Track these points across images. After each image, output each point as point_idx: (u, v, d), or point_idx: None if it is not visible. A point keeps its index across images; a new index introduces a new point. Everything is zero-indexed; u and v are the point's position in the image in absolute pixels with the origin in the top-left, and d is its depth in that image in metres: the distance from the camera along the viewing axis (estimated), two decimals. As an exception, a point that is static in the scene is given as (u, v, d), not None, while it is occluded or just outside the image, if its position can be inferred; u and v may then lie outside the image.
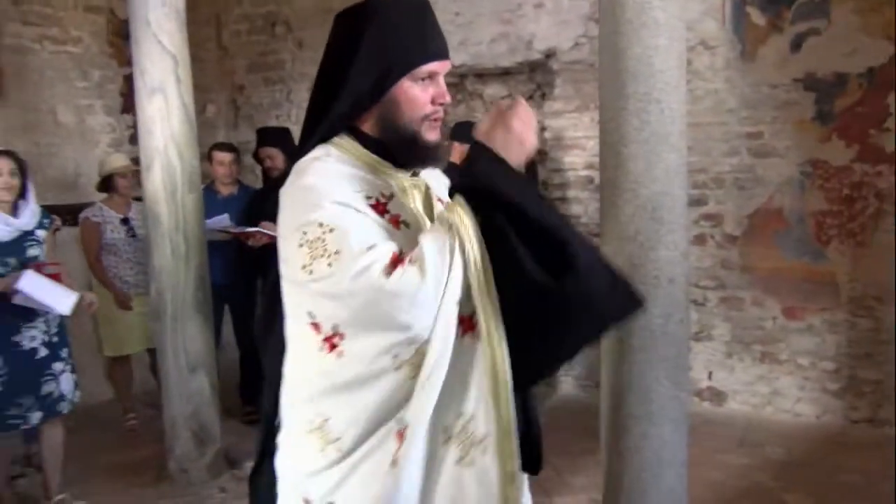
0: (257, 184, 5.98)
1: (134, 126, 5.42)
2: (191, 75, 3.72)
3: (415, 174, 1.50)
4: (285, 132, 4.72)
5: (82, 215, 4.48)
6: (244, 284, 4.66)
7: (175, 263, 3.72)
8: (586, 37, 4.75)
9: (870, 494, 3.50)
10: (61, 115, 5.13)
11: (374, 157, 1.45)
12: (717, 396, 4.61)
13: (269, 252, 4.58)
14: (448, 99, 1.45)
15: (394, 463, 1.34)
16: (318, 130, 1.45)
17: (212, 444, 3.93)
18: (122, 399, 4.83)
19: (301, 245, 1.33)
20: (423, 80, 1.42)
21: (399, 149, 1.45)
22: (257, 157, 4.71)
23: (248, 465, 3.96)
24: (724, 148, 4.47)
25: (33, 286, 3.15)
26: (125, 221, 4.51)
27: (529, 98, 5.28)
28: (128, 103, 5.49)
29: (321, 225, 1.31)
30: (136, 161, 4.39)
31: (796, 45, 4.21)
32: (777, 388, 4.43)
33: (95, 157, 5.23)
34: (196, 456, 3.86)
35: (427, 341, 1.30)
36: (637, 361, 2.51)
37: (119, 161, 4.60)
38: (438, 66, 1.42)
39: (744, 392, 4.52)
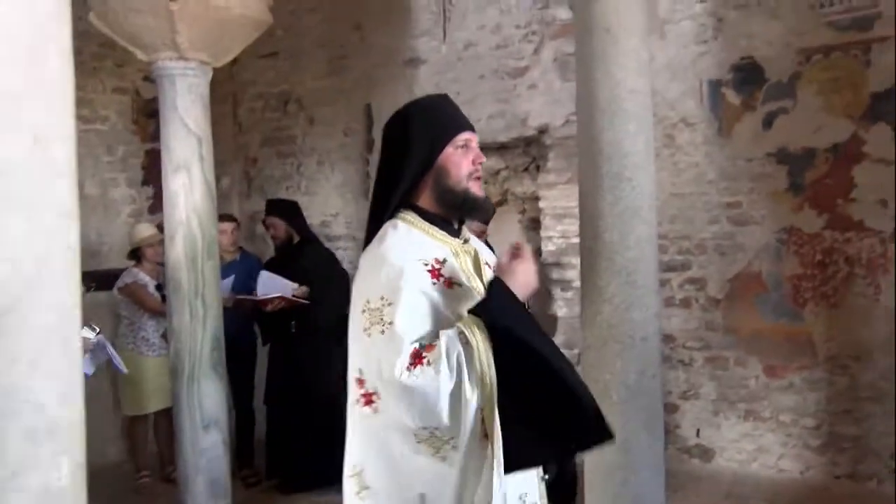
0: (268, 251, 6.32)
1: (153, 197, 5.81)
2: (212, 154, 4.08)
3: (465, 241, 1.85)
4: (289, 204, 5.10)
5: (127, 280, 4.79)
6: (242, 350, 4.88)
7: (193, 325, 4.01)
8: (576, 115, 5.12)
9: (848, 545, 3.68)
10: (87, 188, 5.50)
11: (432, 226, 1.78)
12: (706, 453, 4.79)
13: (270, 319, 4.96)
14: (483, 159, 1.84)
15: None
16: (387, 210, 1.81)
17: (222, 499, 4.13)
18: (137, 457, 5.02)
19: (364, 311, 1.67)
20: (461, 147, 1.80)
21: (453, 206, 1.80)
22: (265, 225, 5.05)
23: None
24: (706, 217, 4.77)
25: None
26: (158, 287, 4.82)
27: (525, 170, 5.65)
28: (148, 176, 5.88)
29: (382, 298, 1.64)
30: (160, 229, 4.75)
31: (768, 122, 4.56)
32: (762, 445, 4.62)
33: (118, 226, 5.58)
34: (208, 510, 4.06)
35: (452, 438, 1.59)
36: (616, 413, 2.76)
37: (147, 231, 4.93)
38: (470, 136, 1.83)
39: (730, 449, 4.71)
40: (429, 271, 1.69)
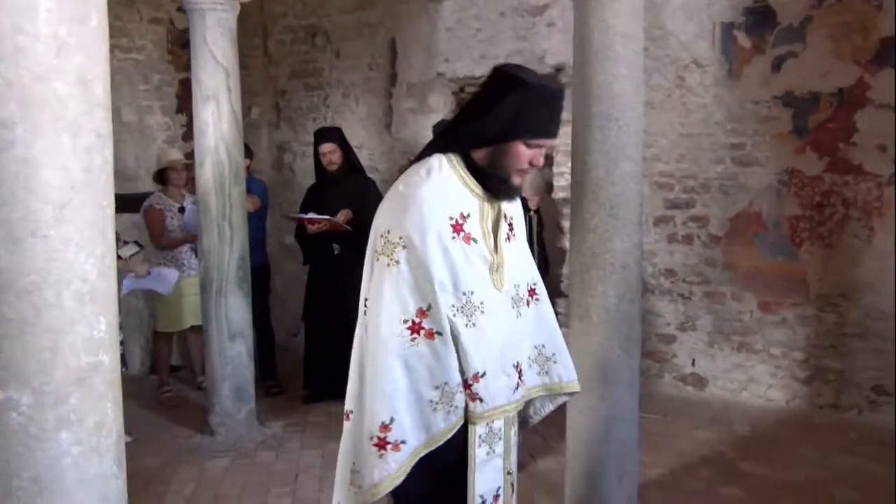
0: (293, 179, 6.64)
1: (187, 125, 6.10)
2: (239, 85, 4.34)
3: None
4: (338, 130, 5.27)
5: (146, 203, 5.13)
6: (255, 270, 5.00)
7: (221, 246, 4.35)
8: (572, 57, 5.25)
9: (820, 464, 3.98)
10: (125, 115, 5.81)
11: (472, 179, 1.97)
12: (700, 382, 5.08)
13: (313, 240, 5.23)
14: (541, 163, 2.03)
15: None
16: (445, 140, 2.03)
17: (246, 403, 4.55)
18: (160, 372, 5.40)
19: (382, 236, 1.94)
20: (532, 146, 1.95)
21: (493, 182, 1.97)
22: (317, 154, 5.13)
23: (276, 424, 4.62)
24: (712, 157, 4.94)
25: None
26: (181, 210, 5.15)
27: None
28: (182, 104, 6.16)
29: (400, 238, 1.90)
30: (188, 156, 5.05)
31: (776, 66, 4.67)
32: (752, 376, 4.89)
33: (153, 152, 5.90)
34: (233, 412, 4.48)
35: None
36: (595, 333, 3.04)
37: (171, 156, 5.24)
38: (547, 142, 2.01)
39: (722, 378, 4.99)
40: (452, 226, 1.92)
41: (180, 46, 6.10)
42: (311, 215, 4.91)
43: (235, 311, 4.41)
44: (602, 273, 2.99)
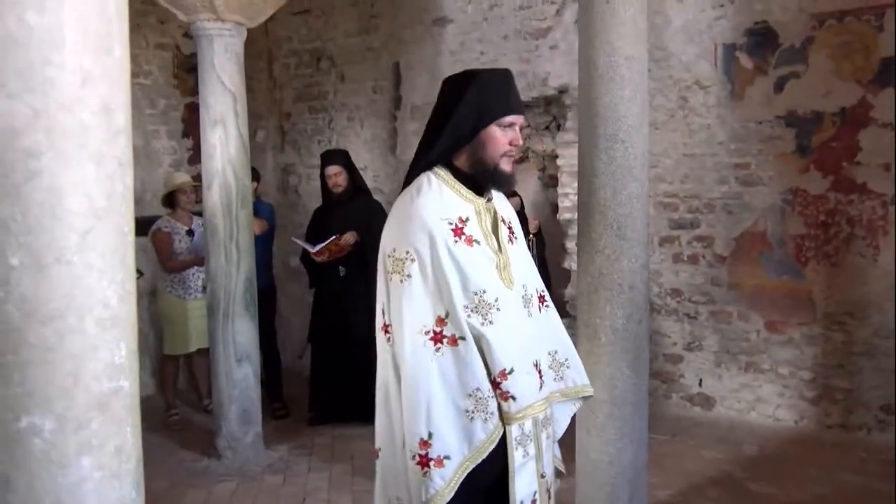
0: (299, 201, 6.67)
1: (193, 149, 6.16)
2: (247, 109, 4.38)
3: (489, 200, 2.06)
4: (344, 152, 5.31)
5: (154, 227, 5.16)
6: (261, 294, 4.98)
7: (228, 267, 4.37)
8: (578, 80, 5.30)
9: (829, 484, 3.95)
10: (132, 140, 5.84)
11: (462, 185, 2.01)
12: (707, 402, 5.07)
13: (318, 263, 5.18)
14: (521, 142, 2.08)
15: None
16: (425, 159, 2.06)
17: (253, 426, 4.53)
18: (167, 395, 5.40)
19: (389, 256, 1.97)
20: (505, 127, 2.00)
21: (483, 175, 2.01)
22: (323, 177, 5.16)
23: (282, 447, 4.59)
24: (716, 177, 4.96)
25: None
26: (190, 233, 5.19)
27: (545, 129, 5.85)
28: (188, 129, 6.21)
29: (407, 252, 1.93)
30: (196, 179, 5.09)
31: (779, 86, 4.70)
32: (760, 395, 4.88)
33: (159, 175, 5.95)
34: (240, 435, 4.46)
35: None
36: (604, 354, 3.04)
37: (181, 178, 5.29)
38: (516, 119, 2.05)
39: (730, 398, 4.98)
40: (452, 230, 1.95)
41: (186, 71, 6.18)
42: (318, 247, 4.89)
43: (242, 333, 4.41)
44: (610, 293, 3.00)
